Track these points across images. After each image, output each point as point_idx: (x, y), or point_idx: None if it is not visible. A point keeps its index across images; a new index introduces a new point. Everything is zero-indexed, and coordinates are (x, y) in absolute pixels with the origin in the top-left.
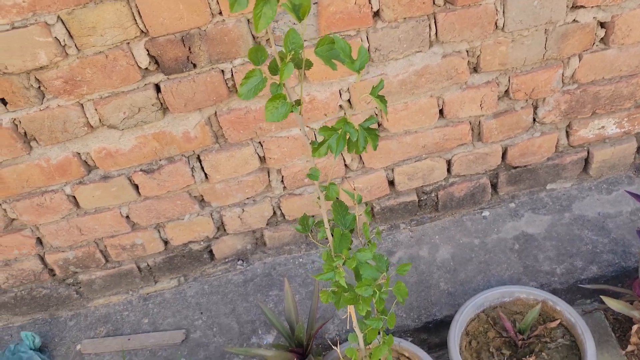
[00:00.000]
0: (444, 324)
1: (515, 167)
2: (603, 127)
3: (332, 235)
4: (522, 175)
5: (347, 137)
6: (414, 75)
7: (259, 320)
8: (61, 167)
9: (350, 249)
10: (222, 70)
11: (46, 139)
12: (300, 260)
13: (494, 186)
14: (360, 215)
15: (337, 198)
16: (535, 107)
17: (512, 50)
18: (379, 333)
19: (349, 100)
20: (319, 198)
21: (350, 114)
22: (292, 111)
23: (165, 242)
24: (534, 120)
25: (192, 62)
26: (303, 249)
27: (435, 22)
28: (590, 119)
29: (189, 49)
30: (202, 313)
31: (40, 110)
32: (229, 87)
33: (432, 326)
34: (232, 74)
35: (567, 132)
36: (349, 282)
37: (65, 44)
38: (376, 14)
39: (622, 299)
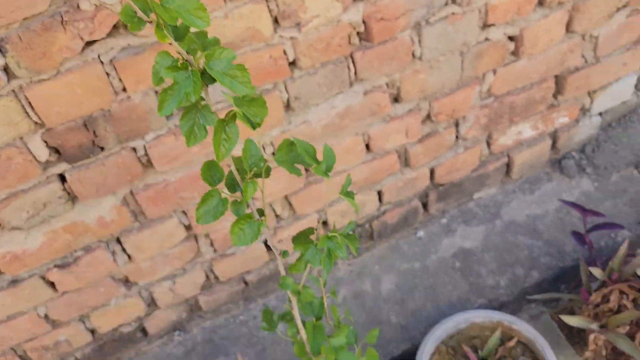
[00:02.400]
0: (401, 359)
1: (442, 184)
2: (520, 132)
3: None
4: (450, 190)
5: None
6: (337, 118)
7: None
8: None
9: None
10: (134, 148)
11: None
12: (241, 317)
13: (425, 205)
14: (327, 296)
15: (304, 286)
16: (457, 125)
17: (431, 76)
18: None
19: (273, 153)
20: (289, 300)
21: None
22: (259, 229)
23: (92, 332)
24: (457, 137)
25: (98, 146)
26: (241, 305)
27: (353, 61)
28: (508, 127)
29: (94, 133)
30: None
31: None
32: (143, 164)
33: None
34: (145, 150)
35: (487, 142)
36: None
37: None
38: (293, 64)
39: (570, 303)
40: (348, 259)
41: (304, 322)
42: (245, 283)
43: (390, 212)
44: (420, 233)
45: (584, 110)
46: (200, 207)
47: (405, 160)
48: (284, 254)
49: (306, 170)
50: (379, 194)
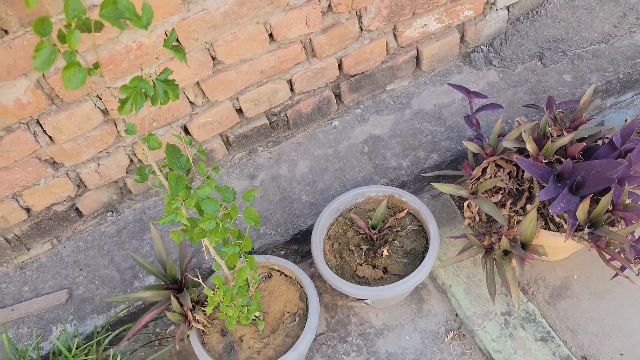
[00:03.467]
0: (309, 232)
1: (353, 76)
2: (425, 24)
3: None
4: (362, 81)
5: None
6: (236, 5)
7: (138, 265)
8: None
9: (190, 188)
10: None
11: None
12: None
13: (338, 96)
14: (194, 155)
15: (168, 144)
16: (360, 17)
17: None
18: (240, 256)
19: (177, 40)
20: (143, 150)
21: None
22: (90, 74)
23: (28, 210)
24: (361, 29)
25: (2, 29)
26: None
27: None
28: (412, 19)
29: None
30: (81, 270)
31: None
32: None
33: (300, 237)
34: None
35: (394, 35)
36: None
37: None
38: None
39: (458, 181)
40: (267, 148)
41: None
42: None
43: (304, 101)
44: (336, 122)
45: (490, 4)
46: (36, 56)
47: (311, 50)
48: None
49: (212, 59)
50: (290, 83)
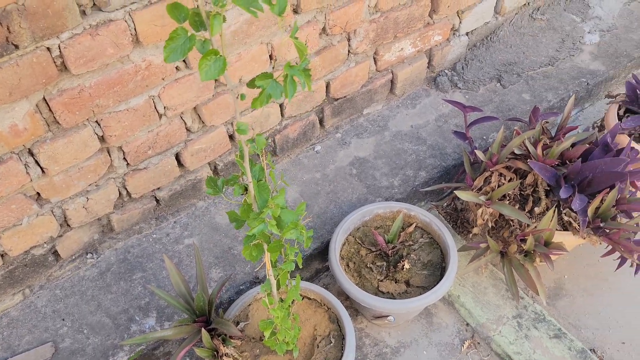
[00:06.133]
0: (312, 257)
1: (337, 99)
2: (402, 48)
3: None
4: (343, 105)
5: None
6: (245, 24)
7: (132, 307)
8: None
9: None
10: (49, 48)
11: None
12: (154, 236)
13: (321, 121)
14: (266, 163)
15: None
16: (349, 40)
17: None
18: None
19: (183, 61)
20: (237, 155)
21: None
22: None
23: (2, 256)
24: (349, 52)
25: (13, 44)
26: (153, 225)
27: None
28: (392, 43)
29: (8, 29)
30: (64, 320)
31: None
32: (57, 66)
33: (303, 262)
34: (60, 51)
35: (374, 59)
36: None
37: None
38: None
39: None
40: None
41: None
42: (157, 200)
43: (292, 126)
44: (318, 147)
45: (454, 30)
46: (168, 44)
47: None
48: (242, 96)
49: (215, 81)
50: (281, 107)
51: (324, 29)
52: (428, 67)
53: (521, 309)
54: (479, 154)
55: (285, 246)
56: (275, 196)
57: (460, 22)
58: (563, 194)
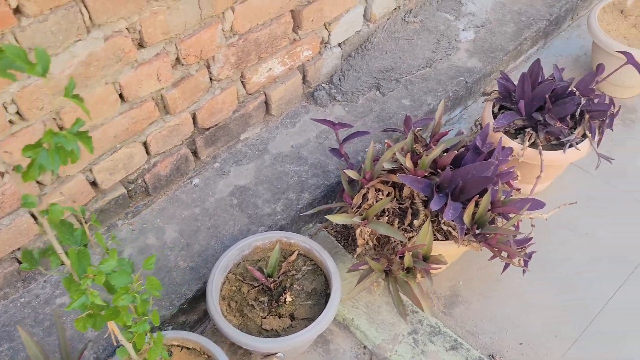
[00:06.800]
0: (196, 299)
1: (208, 129)
2: (271, 68)
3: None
4: (217, 134)
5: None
6: (82, 67)
7: None
8: None
9: (90, 265)
10: None
11: None
12: (22, 300)
13: (195, 153)
14: (89, 224)
15: (61, 219)
16: (209, 67)
17: (171, 17)
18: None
19: (17, 113)
20: (41, 225)
21: (24, 126)
22: None
23: None
24: (211, 79)
25: None
26: (20, 288)
27: (85, 6)
28: (258, 64)
29: None
30: None
31: None
32: None
33: (186, 306)
34: None
35: (242, 82)
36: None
37: None
38: (17, 11)
39: (340, 212)
40: (127, 220)
41: (67, 253)
42: (19, 262)
43: (161, 162)
44: (196, 180)
45: (325, 43)
46: None
47: (164, 106)
48: (17, 168)
49: (60, 129)
50: (146, 145)
51: (177, 60)
52: (304, 83)
53: (416, 323)
54: (350, 173)
55: (132, 307)
56: (104, 259)
57: (329, 34)
58: (434, 205)
